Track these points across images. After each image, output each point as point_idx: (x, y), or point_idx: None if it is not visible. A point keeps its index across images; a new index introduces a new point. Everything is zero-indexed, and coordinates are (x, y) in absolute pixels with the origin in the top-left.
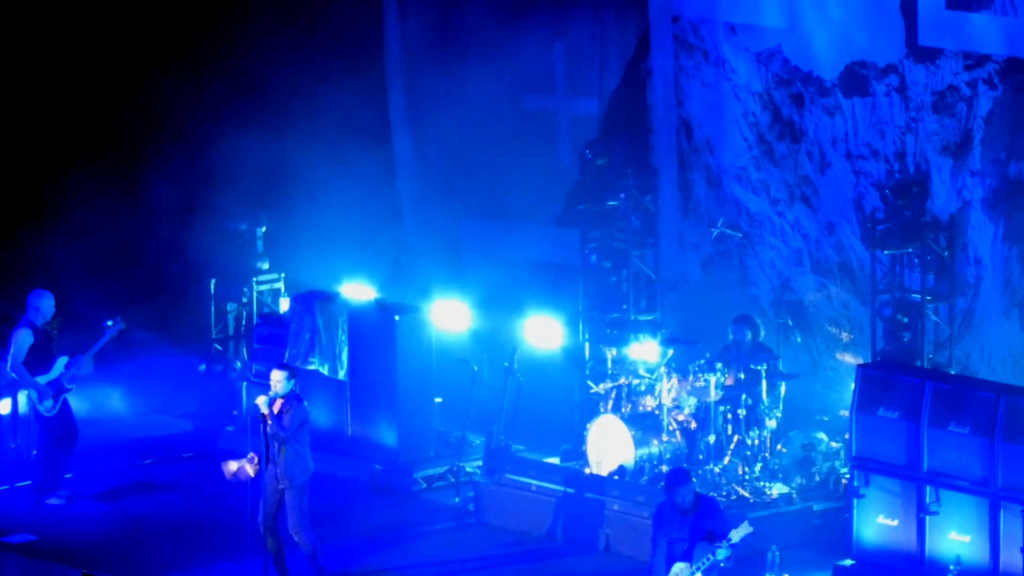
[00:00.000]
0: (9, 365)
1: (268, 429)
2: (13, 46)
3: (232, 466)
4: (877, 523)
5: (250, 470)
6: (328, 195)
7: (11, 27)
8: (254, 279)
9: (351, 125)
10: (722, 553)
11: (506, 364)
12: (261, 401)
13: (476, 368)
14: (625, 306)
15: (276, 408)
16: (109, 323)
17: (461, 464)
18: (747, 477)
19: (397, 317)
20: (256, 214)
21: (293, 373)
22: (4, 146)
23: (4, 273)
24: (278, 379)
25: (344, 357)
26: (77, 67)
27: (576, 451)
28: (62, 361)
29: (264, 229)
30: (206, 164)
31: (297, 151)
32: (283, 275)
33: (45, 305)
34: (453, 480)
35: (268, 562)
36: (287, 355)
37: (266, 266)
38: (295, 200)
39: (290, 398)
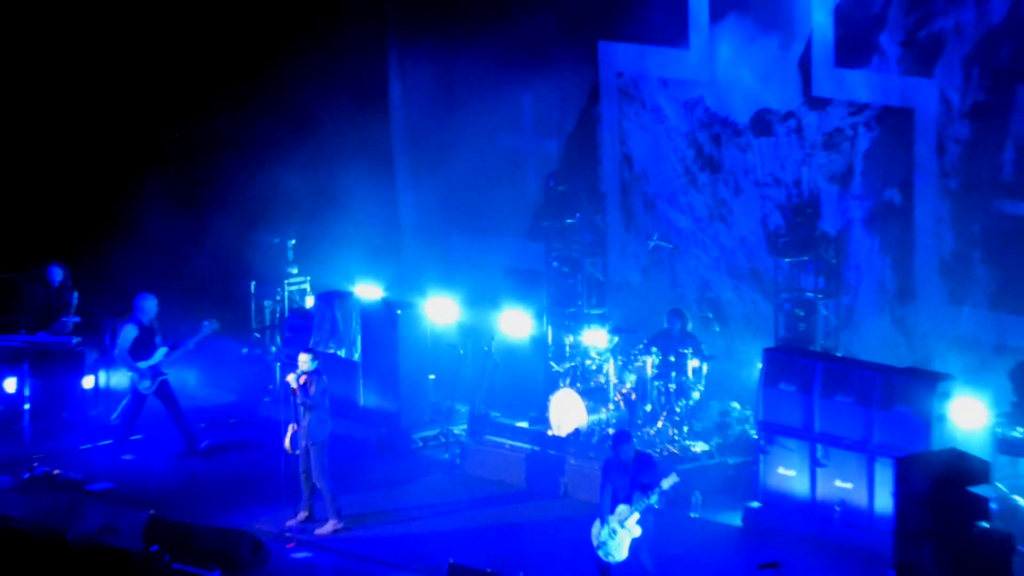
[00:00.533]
0: (116, 352)
1: (297, 399)
2: (91, 82)
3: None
4: (778, 473)
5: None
6: (344, 214)
7: (90, 64)
8: (285, 281)
9: (363, 160)
10: (655, 497)
11: (486, 348)
12: (291, 378)
13: (462, 352)
14: (580, 302)
15: (302, 382)
16: (206, 323)
17: (450, 427)
18: (676, 437)
19: (399, 311)
20: (287, 230)
21: (316, 355)
22: (93, 176)
23: (93, 278)
24: (304, 360)
25: (357, 343)
26: (153, 110)
27: (541, 417)
28: (162, 351)
29: (293, 242)
30: (248, 191)
31: (320, 181)
32: (309, 278)
33: (148, 305)
34: (444, 440)
35: (298, 506)
36: (312, 341)
37: (295, 271)
38: (318, 219)
39: (314, 374)
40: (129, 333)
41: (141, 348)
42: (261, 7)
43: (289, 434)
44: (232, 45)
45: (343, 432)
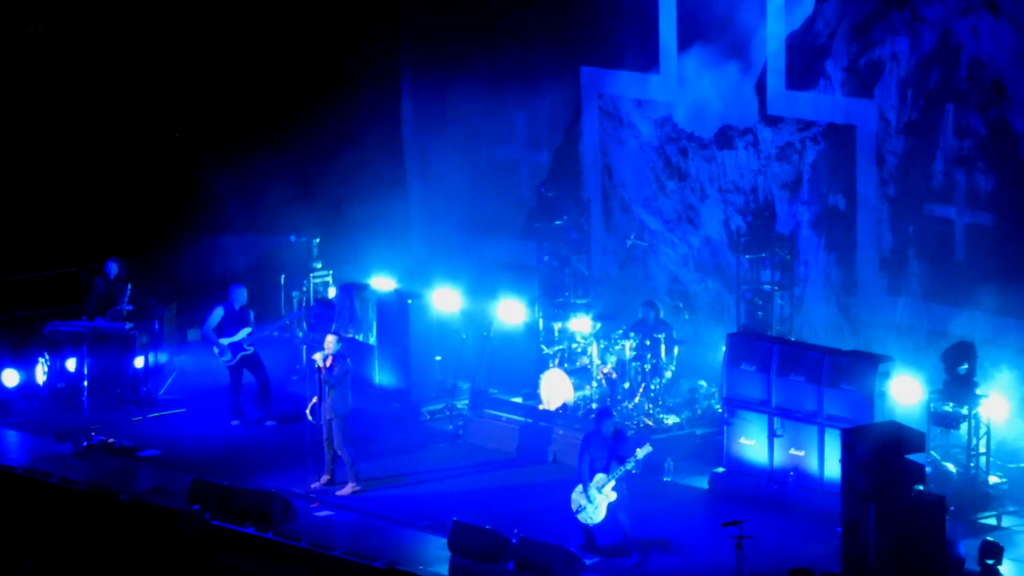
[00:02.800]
0: (202, 329)
1: (321, 377)
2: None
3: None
4: (740, 443)
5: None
6: (362, 217)
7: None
8: (311, 274)
9: (379, 170)
10: (630, 464)
11: (485, 333)
12: (318, 357)
13: (464, 336)
14: (567, 293)
15: (328, 364)
16: (290, 312)
17: (454, 402)
18: (651, 411)
19: (409, 301)
20: (313, 230)
21: (340, 339)
22: (149, 181)
23: (145, 272)
24: (330, 342)
25: (373, 328)
26: (200, 124)
27: (533, 393)
28: (245, 331)
29: (318, 240)
30: (279, 196)
31: (342, 188)
32: (331, 272)
33: (237, 294)
34: (448, 414)
35: (320, 470)
36: (334, 327)
37: (319, 266)
38: (340, 221)
39: (338, 356)
40: (216, 314)
41: (227, 327)
42: (300, 38)
43: (311, 406)
44: (272, 71)
45: (360, 406)
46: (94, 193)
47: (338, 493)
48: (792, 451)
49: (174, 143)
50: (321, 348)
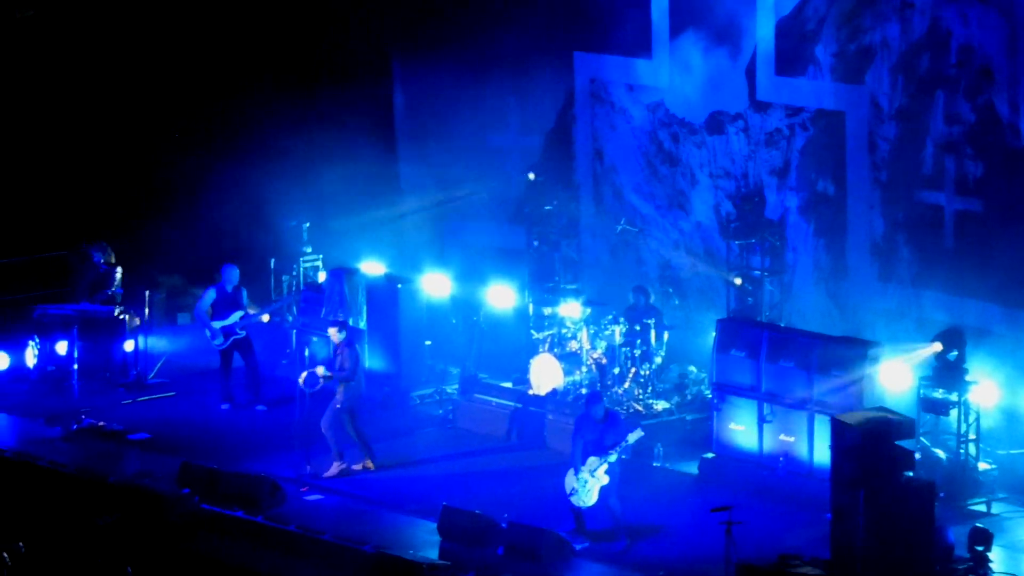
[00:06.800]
0: (195, 311)
1: (332, 375)
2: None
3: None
4: (730, 428)
5: (320, 372)
6: (353, 202)
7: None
8: (301, 259)
9: (371, 156)
10: (621, 449)
11: (475, 318)
12: (320, 371)
13: (454, 321)
14: (557, 278)
15: (324, 373)
16: (286, 294)
17: (444, 387)
18: (641, 397)
19: (399, 285)
20: (303, 214)
21: (343, 326)
22: (136, 166)
23: (135, 256)
24: (333, 332)
25: (363, 312)
26: (186, 104)
27: (523, 378)
28: (237, 314)
29: (308, 224)
30: (271, 181)
31: (332, 173)
32: (321, 256)
33: (229, 274)
34: (438, 398)
35: (308, 454)
36: (323, 312)
37: (309, 250)
38: (330, 205)
39: (344, 345)
40: (208, 296)
41: (219, 310)
42: (289, 20)
43: (304, 375)
44: (263, 55)
45: None
46: (82, 175)
47: (325, 475)
48: (782, 437)
49: (164, 127)
50: (310, 334)
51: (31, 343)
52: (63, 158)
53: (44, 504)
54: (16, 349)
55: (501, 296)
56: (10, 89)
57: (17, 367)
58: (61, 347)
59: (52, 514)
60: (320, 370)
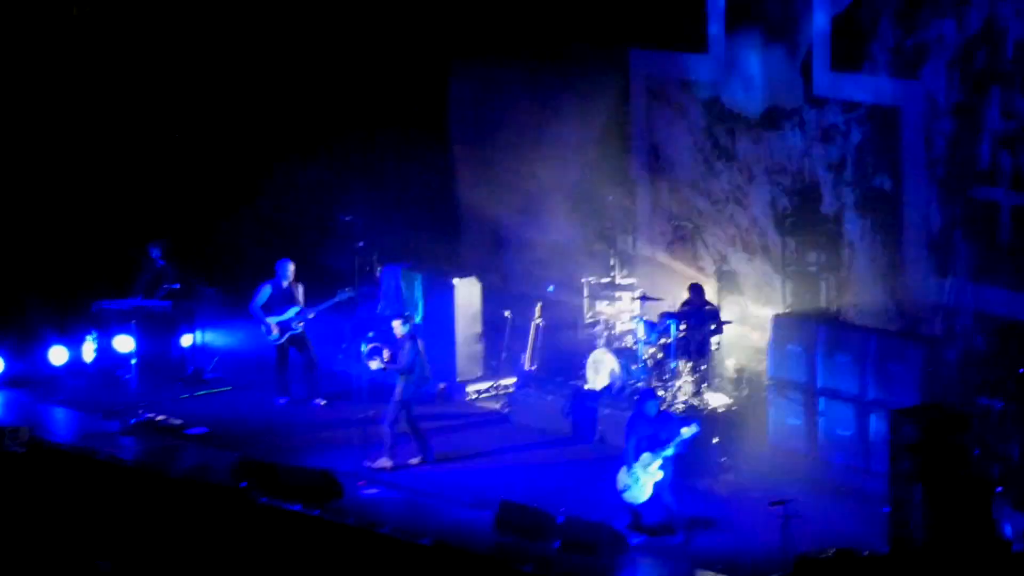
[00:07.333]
0: (250, 306)
1: (391, 367)
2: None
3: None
4: (786, 423)
5: (386, 356)
6: (409, 198)
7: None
8: (354, 254)
9: (426, 152)
10: (677, 443)
11: (532, 314)
12: (386, 354)
13: (509, 315)
14: (613, 274)
15: (386, 359)
16: (340, 291)
17: (500, 382)
18: (696, 392)
19: (455, 280)
20: (361, 210)
21: (407, 319)
22: (202, 164)
23: (194, 253)
24: (397, 325)
25: (419, 307)
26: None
27: (580, 373)
28: (293, 310)
29: (364, 221)
30: (326, 175)
31: (390, 170)
32: (378, 251)
33: (283, 270)
34: (495, 393)
35: (368, 449)
36: (379, 306)
37: (364, 245)
38: (388, 202)
39: (407, 337)
40: (263, 292)
41: (275, 305)
42: (352, 23)
43: (368, 348)
44: (324, 56)
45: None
46: (145, 171)
47: (370, 465)
48: (838, 431)
49: (234, 128)
50: (366, 327)
51: (89, 337)
52: (129, 151)
53: (103, 500)
54: (74, 343)
55: (556, 291)
56: (81, 85)
57: (75, 361)
58: (119, 341)
59: (111, 510)
60: (385, 353)
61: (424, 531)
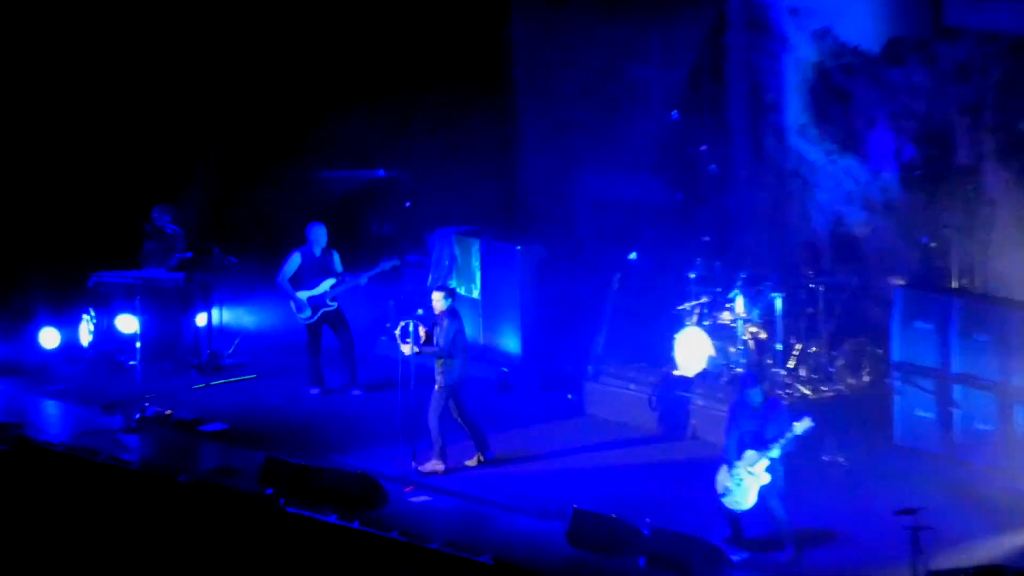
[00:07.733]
0: (277, 279)
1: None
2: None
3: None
4: (915, 415)
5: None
6: (462, 151)
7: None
8: (402, 216)
9: (483, 97)
10: (785, 441)
11: (611, 285)
12: (422, 332)
13: (584, 289)
14: (706, 238)
15: (424, 339)
16: (384, 259)
17: (570, 367)
18: (808, 378)
19: (519, 248)
20: (408, 167)
21: (450, 293)
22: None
23: (221, 217)
24: (437, 298)
25: (477, 280)
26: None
27: (666, 356)
28: (328, 282)
29: (411, 178)
30: (370, 132)
31: (444, 126)
32: (423, 214)
33: (316, 234)
34: (564, 380)
35: (414, 448)
36: (430, 279)
37: (410, 206)
38: (438, 156)
39: (446, 314)
40: (293, 261)
41: (307, 277)
42: None
43: (403, 325)
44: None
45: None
46: (156, 123)
47: (419, 469)
48: (978, 426)
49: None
50: (412, 305)
51: (85, 317)
52: (132, 102)
53: (102, 507)
54: (68, 324)
55: (639, 258)
56: (96, 53)
57: (69, 345)
58: (121, 321)
59: (112, 518)
60: (422, 331)
61: (482, 547)
